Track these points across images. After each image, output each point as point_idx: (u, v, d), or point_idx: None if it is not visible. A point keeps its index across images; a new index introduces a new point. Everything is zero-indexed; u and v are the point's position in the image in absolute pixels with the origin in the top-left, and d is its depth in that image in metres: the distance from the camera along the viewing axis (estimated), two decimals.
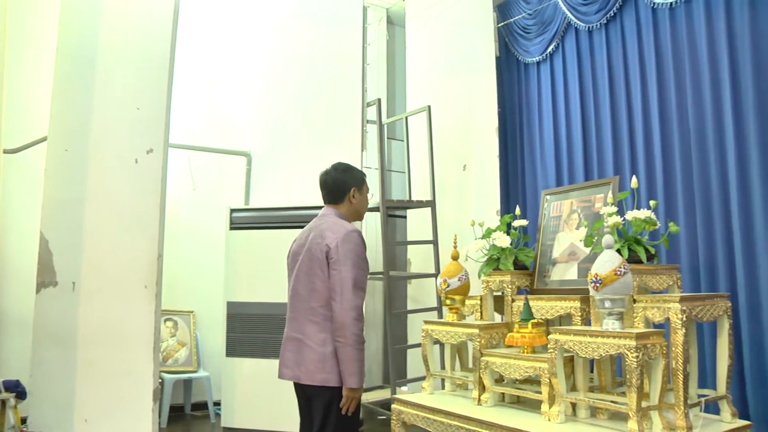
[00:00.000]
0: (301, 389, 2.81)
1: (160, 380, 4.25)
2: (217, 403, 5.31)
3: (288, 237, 4.94)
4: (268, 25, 6.16)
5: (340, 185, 2.91)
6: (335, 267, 2.65)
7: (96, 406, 3.91)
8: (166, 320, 5.55)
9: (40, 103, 4.73)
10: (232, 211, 5.20)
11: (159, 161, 4.00)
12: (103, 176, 4.02)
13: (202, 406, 5.62)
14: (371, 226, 6.39)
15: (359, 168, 3.00)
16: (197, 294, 5.80)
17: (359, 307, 2.65)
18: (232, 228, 5.15)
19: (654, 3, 4.94)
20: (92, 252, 3.98)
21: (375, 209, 5.53)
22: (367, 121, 5.58)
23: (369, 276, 5.89)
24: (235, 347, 5.01)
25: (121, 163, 4.01)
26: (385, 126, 6.23)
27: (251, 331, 4.98)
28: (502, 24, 6.37)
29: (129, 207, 3.99)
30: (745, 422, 3.12)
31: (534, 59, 6.09)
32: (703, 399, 3.06)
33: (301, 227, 4.91)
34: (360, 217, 3.01)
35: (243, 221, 5.17)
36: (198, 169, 6.01)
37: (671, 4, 4.83)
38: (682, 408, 2.82)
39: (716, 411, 3.20)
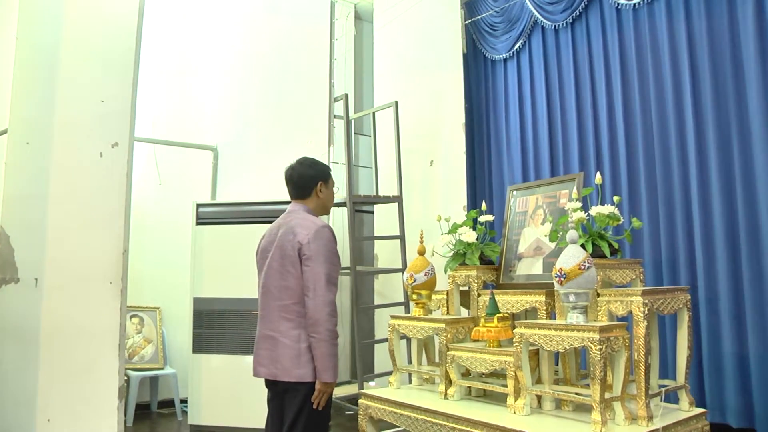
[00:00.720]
0: (275, 386, 2.80)
1: (125, 378, 4.20)
2: (184, 401, 5.26)
3: (255, 232, 4.90)
4: (236, 19, 6.10)
5: (307, 180, 2.88)
6: (308, 263, 2.64)
7: (59, 406, 3.84)
8: (131, 317, 5.48)
9: (0, 94, 4.62)
10: (199, 206, 5.14)
11: (124, 155, 3.94)
12: (67, 170, 3.94)
13: (168, 403, 5.56)
14: (338, 221, 6.38)
15: (324, 162, 2.98)
16: (163, 290, 5.74)
17: (333, 303, 2.65)
18: (198, 223, 5.10)
19: (618, 3, 5.03)
20: (55, 247, 3.90)
21: (342, 204, 5.53)
22: (334, 117, 5.57)
23: None
24: (202, 344, 4.96)
25: (85, 156, 3.93)
26: (353, 121, 6.22)
27: (218, 327, 4.94)
28: (470, 21, 6.41)
29: (93, 201, 3.92)
30: (701, 410, 3.21)
31: (501, 56, 6.14)
32: (663, 389, 3.13)
33: (269, 222, 4.88)
34: (327, 212, 3.00)
35: (210, 216, 5.11)
36: (164, 163, 5.94)
37: (635, 5, 4.92)
38: (644, 398, 2.88)
39: (676, 400, 3.28)
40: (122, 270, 3.91)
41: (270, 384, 2.85)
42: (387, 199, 5.66)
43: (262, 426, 4.68)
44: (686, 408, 3.20)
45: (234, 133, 5.98)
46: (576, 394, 3.03)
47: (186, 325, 5.06)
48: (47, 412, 3.83)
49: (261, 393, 4.70)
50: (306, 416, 2.67)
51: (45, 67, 4.06)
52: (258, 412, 4.74)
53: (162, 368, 5.48)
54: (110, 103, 3.95)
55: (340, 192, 5.91)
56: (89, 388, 3.84)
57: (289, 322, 2.69)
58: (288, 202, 4.92)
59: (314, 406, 2.68)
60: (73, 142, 3.96)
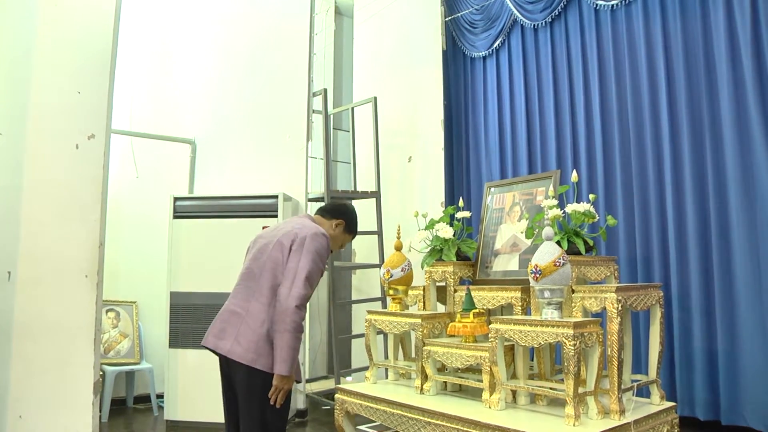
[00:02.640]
0: (226, 365, 2.71)
1: (101, 373, 4.16)
2: (160, 396, 5.22)
3: (233, 226, 4.95)
4: (216, 12, 6.06)
5: (335, 211, 3.04)
6: (295, 255, 2.65)
7: (31, 402, 3.78)
8: (107, 311, 5.43)
9: None
10: (176, 199, 5.10)
11: (101, 147, 3.89)
12: (42, 162, 3.88)
13: (144, 398, 5.52)
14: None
15: (355, 221, 3.10)
16: (140, 284, 5.68)
17: (305, 298, 2.61)
18: (175, 217, 5.06)
19: (596, 4, 5.09)
20: (30, 240, 3.84)
21: (320, 199, 5.53)
22: (313, 111, 5.55)
23: None
24: (179, 338, 4.93)
25: (60, 148, 3.88)
26: (331, 116, 6.22)
27: (195, 321, 4.91)
28: (450, 18, 6.43)
29: (69, 194, 3.86)
30: (671, 404, 3.27)
31: (480, 54, 6.17)
32: (635, 384, 3.18)
33: (247, 217, 4.94)
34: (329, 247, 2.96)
35: (187, 210, 5.08)
36: (141, 156, 5.88)
37: (612, 6, 4.98)
38: (616, 393, 2.93)
39: (648, 394, 3.33)
40: (98, 264, 3.87)
41: (222, 364, 2.75)
42: (365, 195, 5.67)
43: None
44: (657, 402, 3.26)
45: (212, 127, 5.94)
46: (550, 389, 3.06)
47: (163, 320, 5.02)
48: (19, 408, 3.77)
49: None
50: (258, 406, 2.59)
51: (19, 57, 3.99)
52: None
53: (138, 363, 5.43)
54: (87, 94, 3.89)
55: (318, 186, 5.92)
56: (63, 383, 3.79)
57: (260, 304, 2.65)
58: (265, 197, 4.93)
59: (271, 403, 2.60)
60: (49, 134, 3.90)
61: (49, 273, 3.84)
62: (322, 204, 3.03)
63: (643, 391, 3.33)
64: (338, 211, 3.04)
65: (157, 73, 6.13)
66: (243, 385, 2.62)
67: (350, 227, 3.07)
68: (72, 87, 3.87)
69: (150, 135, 5.89)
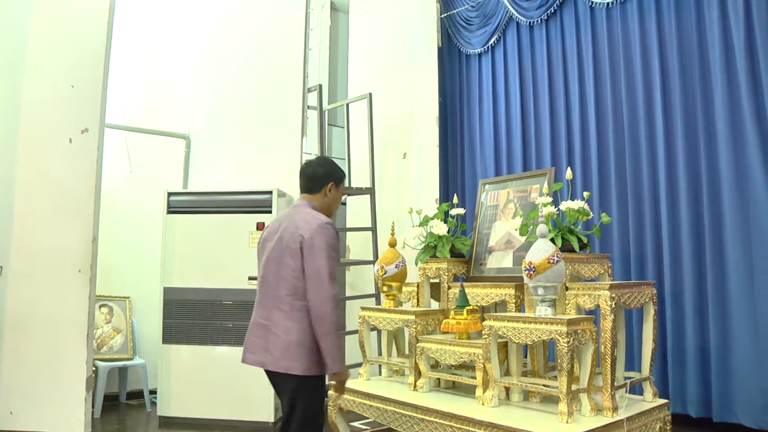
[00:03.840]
0: (269, 375, 2.79)
1: (93, 368, 4.15)
2: (153, 392, 5.21)
3: (227, 222, 4.94)
4: (211, 7, 6.03)
5: (320, 177, 2.89)
6: (310, 258, 2.63)
7: (23, 397, 3.77)
8: (100, 306, 5.41)
9: None
10: (170, 194, 5.08)
11: (94, 141, 3.88)
12: (35, 156, 3.87)
13: (137, 394, 5.50)
14: None
15: (341, 168, 3.00)
16: (133, 279, 5.67)
17: (335, 296, 2.64)
18: (169, 212, 5.04)
19: (592, 2, 5.09)
20: (22, 235, 3.84)
21: None
22: (308, 107, 5.53)
23: None
24: (172, 334, 4.92)
25: (54, 142, 3.87)
26: (326, 112, 6.21)
27: (188, 317, 4.90)
28: (445, 15, 6.42)
29: (62, 188, 3.85)
30: (663, 401, 3.28)
31: (475, 51, 6.17)
32: (628, 381, 3.19)
33: (241, 212, 4.94)
34: (329, 213, 2.96)
35: (181, 205, 5.06)
36: (135, 150, 5.86)
37: (608, 4, 4.98)
38: (609, 390, 2.94)
39: (640, 391, 3.35)
40: (91, 258, 3.87)
41: (267, 374, 2.82)
42: (359, 191, 5.66)
43: (232, 417, 4.72)
44: (650, 399, 3.27)
45: (206, 122, 5.92)
46: (543, 385, 3.07)
47: (156, 315, 5.01)
48: (10, 404, 3.77)
49: (230, 385, 4.71)
50: (301, 409, 2.67)
51: (11, 50, 3.97)
52: (227, 404, 4.75)
53: (131, 359, 5.42)
54: (80, 87, 3.88)
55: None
56: (56, 379, 3.78)
57: (282, 312, 2.68)
58: (260, 192, 4.92)
59: (337, 394, 2.85)
60: (42, 128, 3.89)
61: (42, 267, 3.83)
62: (302, 182, 2.91)
63: (635, 389, 3.34)
64: (320, 176, 2.89)
65: (152, 67, 6.11)
66: (285, 391, 2.69)
67: (338, 180, 2.95)
68: (66, 81, 3.86)
69: (144, 129, 5.88)
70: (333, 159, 3.03)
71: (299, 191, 2.96)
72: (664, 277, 4.46)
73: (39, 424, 3.75)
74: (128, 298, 5.62)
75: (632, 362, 4.01)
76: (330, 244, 2.67)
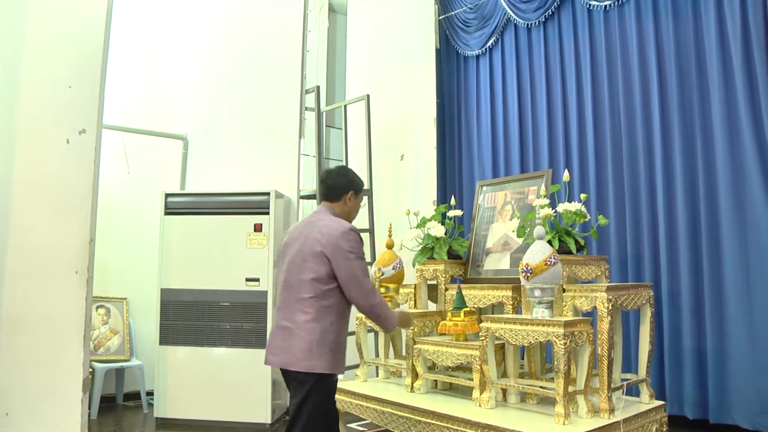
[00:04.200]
0: (288, 375, 2.83)
1: (90, 370, 4.14)
2: (150, 393, 5.21)
3: (224, 223, 4.94)
4: (209, 9, 6.03)
5: (340, 186, 2.99)
6: (341, 264, 2.73)
7: (19, 399, 3.76)
8: (97, 307, 5.41)
9: None
10: (168, 195, 5.08)
11: (92, 142, 3.87)
12: (33, 156, 3.86)
13: (134, 396, 5.50)
14: (308, 213, 6.32)
15: (360, 178, 3.13)
16: (130, 280, 5.66)
17: (371, 289, 2.80)
18: (167, 213, 5.04)
19: (590, 4, 5.10)
20: (20, 235, 3.83)
21: (312, 197, 5.53)
22: (306, 109, 5.54)
23: None
24: (169, 335, 4.91)
25: (51, 143, 3.86)
26: (324, 114, 6.21)
27: (185, 318, 4.90)
28: (443, 17, 6.43)
29: (60, 189, 3.84)
30: (660, 402, 3.30)
31: (473, 53, 6.18)
32: (625, 383, 3.20)
33: (238, 213, 4.93)
34: (349, 220, 3.03)
35: (178, 206, 5.06)
36: (133, 151, 5.85)
37: (606, 6, 5.00)
38: (606, 392, 2.94)
39: (637, 393, 3.35)
40: (88, 259, 3.85)
41: (285, 374, 2.87)
42: None
43: (229, 419, 4.72)
44: (646, 401, 3.28)
45: (204, 123, 5.92)
46: (540, 387, 3.07)
47: (153, 317, 5.00)
48: (6, 405, 3.75)
49: (227, 386, 4.71)
50: (309, 407, 2.71)
51: (9, 50, 3.97)
52: (224, 405, 4.74)
53: (128, 360, 5.41)
54: (78, 88, 3.87)
55: (309, 184, 5.92)
56: (52, 380, 3.77)
57: (306, 314, 2.74)
58: (258, 194, 4.93)
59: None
60: (39, 128, 3.88)
61: (38, 268, 3.82)
62: (322, 190, 3.02)
63: (632, 390, 3.35)
64: (341, 186, 2.99)
65: (149, 68, 6.11)
66: (300, 390, 2.72)
67: (358, 189, 3.05)
68: (63, 81, 3.85)
69: (142, 131, 5.88)
70: (352, 170, 3.14)
71: (318, 198, 3.01)
72: (661, 279, 4.47)
73: (35, 426, 3.73)
74: (125, 299, 5.61)
75: (629, 364, 4.01)
76: (355, 248, 2.79)
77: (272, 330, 2.89)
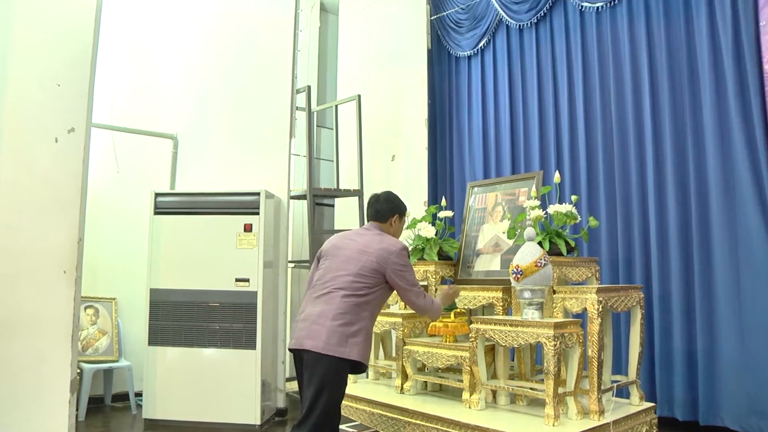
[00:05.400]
0: (304, 361, 2.97)
1: (78, 371, 4.12)
2: (139, 394, 5.18)
3: (214, 223, 4.93)
4: (200, 7, 6.02)
5: (387, 210, 3.36)
6: (400, 275, 3.08)
7: (5, 400, 3.73)
8: (86, 307, 5.38)
9: None
10: (157, 195, 5.06)
11: (81, 141, 3.83)
12: (20, 155, 3.83)
13: (123, 397, 5.46)
14: (298, 213, 6.36)
15: (404, 203, 3.52)
16: (119, 280, 5.62)
17: (421, 293, 3.14)
18: (156, 212, 5.01)
19: (582, 6, 5.12)
20: (7, 235, 3.79)
21: (302, 197, 5.53)
22: (297, 108, 5.53)
23: (295, 264, 5.87)
24: (158, 336, 4.89)
25: (40, 142, 3.82)
26: (315, 114, 6.20)
27: (175, 319, 4.88)
28: (435, 17, 6.44)
29: (48, 188, 3.81)
30: (650, 404, 3.32)
31: (465, 53, 6.19)
32: (615, 384, 3.21)
33: (228, 213, 4.92)
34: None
35: (168, 206, 5.04)
36: (122, 150, 5.81)
37: (598, 8, 5.02)
38: (596, 393, 2.96)
39: (627, 395, 3.37)
40: (77, 259, 3.82)
41: (303, 356, 2.98)
42: (348, 193, 5.67)
43: (219, 420, 4.71)
44: (636, 402, 3.30)
45: (195, 122, 5.89)
46: (530, 389, 3.09)
47: (142, 317, 4.98)
48: None
49: (217, 387, 4.70)
50: (329, 392, 2.87)
51: None
52: (213, 406, 4.73)
53: (117, 361, 5.38)
54: (66, 86, 3.84)
55: (300, 184, 5.92)
56: (39, 381, 3.74)
57: (337, 306, 2.97)
58: (248, 194, 4.93)
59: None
60: (27, 127, 3.85)
61: (26, 268, 3.80)
62: (371, 212, 3.40)
63: (622, 392, 3.36)
64: (387, 210, 3.35)
65: (140, 66, 6.08)
66: (317, 374, 2.89)
67: (402, 213, 3.43)
68: (51, 79, 3.83)
69: (131, 129, 5.85)
70: (398, 196, 3.53)
71: (367, 218, 3.44)
72: (652, 281, 4.49)
73: (22, 427, 3.71)
74: (114, 299, 5.59)
75: (620, 366, 4.03)
76: (406, 264, 3.14)
77: (302, 319, 3.07)
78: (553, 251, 3.32)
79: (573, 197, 3.52)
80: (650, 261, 4.54)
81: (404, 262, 3.12)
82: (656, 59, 4.64)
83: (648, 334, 4.37)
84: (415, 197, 5.77)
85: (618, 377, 3.40)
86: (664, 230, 4.49)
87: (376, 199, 3.44)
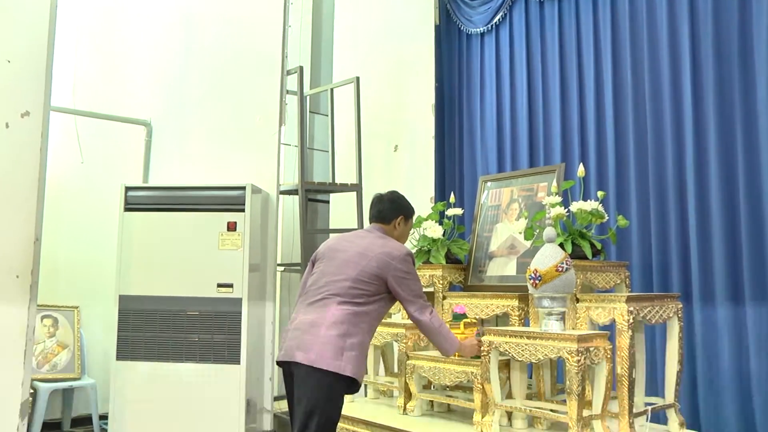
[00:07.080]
0: (296, 375, 2.99)
1: (31, 391, 4.07)
2: (104, 417, 5.15)
3: (193, 221, 4.91)
4: None
5: (391, 211, 3.41)
6: (404, 284, 3.10)
7: None
8: (43, 317, 5.35)
9: None
10: (128, 189, 5.04)
11: (37, 126, 3.80)
12: None
13: (84, 420, 5.43)
14: (288, 210, 6.34)
15: (411, 204, 3.56)
16: (83, 286, 5.61)
17: (429, 308, 3.14)
18: (127, 209, 5.00)
19: None
20: None
21: (293, 192, 5.51)
22: (287, 92, 5.52)
23: (285, 268, 5.86)
24: (128, 349, 4.87)
25: None
26: (308, 98, 6.19)
27: (147, 330, 4.86)
28: None
29: None
30: None
31: (478, 30, 6.16)
32: (649, 408, 3.17)
33: (209, 210, 4.90)
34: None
35: (140, 201, 5.02)
36: (87, 138, 5.79)
37: None
38: (627, 417, 2.92)
39: (665, 420, 3.32)
40: (33, 262, 3.79)
41: (293, 370, 3.00)
42: (344, 188, 5.66)
43: None
44: (676, 429, 3.26)
45: (171, 107, 5.88)
46: (551, 410, 3.06)
47: (110, 328, 4.96)
48: None
49: (192, 407, 4.67)
50: (321, 410, 2.89)
51: None
52: (190, 429, 4.70)
53: (78, 378, 5.35)
54: (19, 63, 3.81)
55: (291, 177, 5.90)
56: None
57: (332, 315, 2.99)
58: (231, 188, 4.91)
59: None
60: None
61: None
62: (374, 213, 3.45)
63: (659, 417, 3.32)
64: (391, 211, 3.40)
65: (108, 41, 6.05)
66: (311, 389, 2.91)
67: (408, 215, 3.48)
68: (1, 54, 3.79)
69: (98, 114, 5.83)
70: (404, 196, 3.59)
71: (369, 219, 3.47)
72: (692, 289, 4.41)
73: None
74: (77, 307, 5.56)
75: (655, 386, 3.97)
76: (410, 270, 3.17)
77: (294, 327, 3.10)
78: (577, 254, 3.30)
79: (599, 193, 3.50)
80: (689, 266, 4.47)
81: (408, 269, 3.13)
82: (700, 34, 4.53)
83: (688, 351, 4.29)
84: (420, 193, 5.75)
85: (653, 399, 3.36)
86: (706, 231, 4.40)
87: (379, 199, 3.49)
